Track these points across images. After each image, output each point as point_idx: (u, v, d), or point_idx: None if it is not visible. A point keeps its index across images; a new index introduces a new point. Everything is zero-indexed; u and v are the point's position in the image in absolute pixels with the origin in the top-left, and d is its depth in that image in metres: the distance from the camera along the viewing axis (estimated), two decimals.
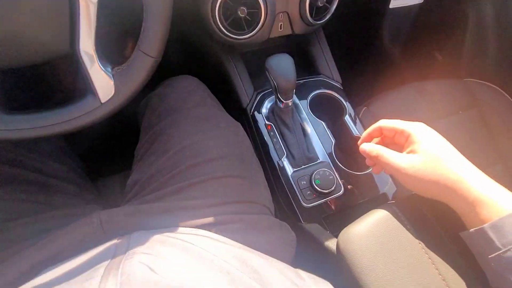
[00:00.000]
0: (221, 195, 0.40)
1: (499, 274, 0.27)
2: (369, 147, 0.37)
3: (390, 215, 0.34)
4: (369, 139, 0.40)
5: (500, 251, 0.26)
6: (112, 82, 0.35)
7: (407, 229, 0.33)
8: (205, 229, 0.36)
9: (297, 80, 0.63)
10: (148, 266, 0.27)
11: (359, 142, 0.41)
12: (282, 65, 0.48)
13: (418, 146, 0.33)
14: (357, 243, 0.33)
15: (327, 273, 0.39)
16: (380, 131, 0.38)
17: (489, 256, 0.27)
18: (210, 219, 0.37)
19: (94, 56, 0.33)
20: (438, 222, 0.35)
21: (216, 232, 0.36)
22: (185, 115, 0.48)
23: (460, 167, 0.31)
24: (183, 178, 0.40)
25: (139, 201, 0.40)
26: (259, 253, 0.35)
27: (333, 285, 0.37)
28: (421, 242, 0.33)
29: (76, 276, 0.28)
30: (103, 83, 0.35)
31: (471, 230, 0.29)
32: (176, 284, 0.26)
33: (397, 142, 0.36)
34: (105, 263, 0.29)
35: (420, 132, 0.34)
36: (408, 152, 0.34)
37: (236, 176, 0.42)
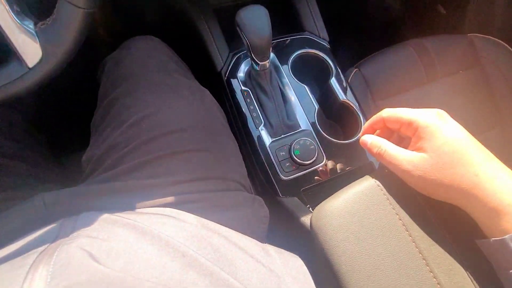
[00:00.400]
0: (182, 172, 0.36)
1: None
2: (370, 141, 0.31)
3: (370, 190, 0.31)
4: (371, 131, 0.34)
5: None
6: (37, 42, 0.29)
7: (387, 205, 0.30)
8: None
9: (278, 38, 0.57)
10: (89, 252, 0.24)
11: (360, 134, 0.35)
12: (255, 19, 0.41)
13: (428, 144, 0.27)
14: (330, 220, 0.30)
15: (303, 249, 0.37)
16: (384, 123, 0.32)
17: (510, 271, 0.24)
18: (169, 199, 0.33)
19: (3, 2, 0.26)
20: (422, 198, 0.31)
21: (175, 213, 0.32)
22: (142, 82, 0.42)
23: (480, 168, 0.25)
24: (138, 154, 0.36)
25: (92, 180, 0.36)
26: (224, 229, 0.32)
27: (308, 261, 0.35)
28: (401, 219, 0.29)
29: (6, 264, 0.24)
30: (27, 44, 0.28)
31: (491, 239, 0.25)
32: (118, 275, 0.22)
33: (404, 134, 0.30)
34: (42, 248, 0.25)
35: (431, 126, 0.27)
36: (415, 149, 0.28)
37: (200, 150, 0.38)
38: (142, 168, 0.35)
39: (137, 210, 0.32)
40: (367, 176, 0.32)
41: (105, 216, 0.29)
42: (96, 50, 0.78)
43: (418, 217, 0.30)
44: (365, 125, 0.34)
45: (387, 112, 0.31)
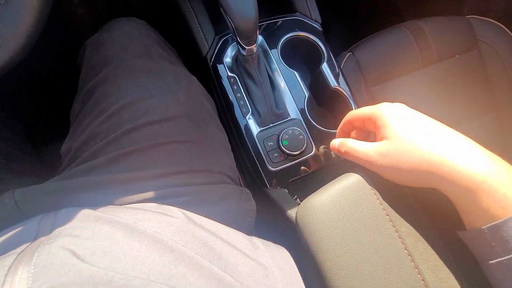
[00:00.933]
0: (165, 164, 0.34)
1: (501, 281, 0.23)
2: (338, 143, 0.33)
3: (357, 184, 0.29)
4: (344, 135, 0.35)
5: (502, 258, 0.22)
6: None
7: (374, 200, 0.29)
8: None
9: (267, 20, 0.53)
10: (72, 251, 0.23)
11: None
12: None
13: (387, 130, 0.27)
14: (315, 216, 0.29)
15: (289, 240, 0.36)
16: (351, 124, 0.33)
17: (489, 262, 0.23)
18: (151, 194, 0.32)
19: None
20: (410, 190, 0.30)
21: (160, 208, 0.31)
22: (124, 68, 0.39)
23: (443, 144, 0.25)
24: (119, 145, 0.34)
25: (68, 172, 0.34)
26: (210, 223, 0.32)
27: (294, 251, 0.35)
28: (388, 214, 0.28)
29: None
30: None
31: (469, 230, 0.24)
32: (105, 273, 0.21)
33: (369, 129, 0.31)
34: (20, 249, 0.24)
35: (386, 114, 0.28)
36: (379, 139, 0.28)
37: (185, 141, 0.36)
38: (122, 160, 0.33)
39: (120, 205, 0.31)
40: (355, 170, 0.31)
41: (87, 212, 0.28)
42: (77, 31, 0.73)
43: (405, 212, 0.29)
44: (337, 131, 0.36)
45: (351, 114, 0.33)
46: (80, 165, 0.34)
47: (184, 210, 0.31)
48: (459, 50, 0.68)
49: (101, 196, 0.31)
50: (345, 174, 0.31)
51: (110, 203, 0.31)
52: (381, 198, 0.29)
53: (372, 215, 0.28)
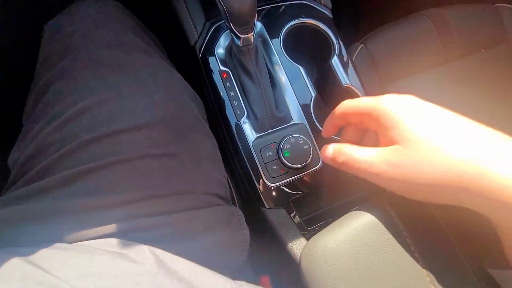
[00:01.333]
0: (135, 187, 0.27)
1: None
2: (333, 149, 0.25)
3: (380, 220, 0.22)
4: (334, 129, 0.28)
5: None
6: None
7: (405, 245, 0.22)
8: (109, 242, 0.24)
9: (268, 4, 0.45)
10: None
11: (323, 133, 0.30)
12: None
13: (397, 133, 0.21)
14: (324, 265, 0.22)
15: (290, 275, 0.29)
16: (345, 118, 0.26)
17: None
18: (112, 227, 0.25)
19: None
20: (449, 228, 0.23)
21: (124, 247, 0.24)
22: (85, 61, 0.31)
23: (481, 148, 0.18)
24: (74, 161, 0.27)
25: (8, 197, 0.27)
26: (188, 268, 0.24)
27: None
28: (425, 268, 0.21)
29: None
30: None
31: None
32: None
33: (368, 127, 0.24)
34: None
35: (394, 110, 0.21)
36: (385, 143, 0.21)
37: (161, 155, 0.29)
38: (78, 181, 0.26)
39: (70, 243, 0.24)
40: (377, 199, 0.24)
41: (16, 263, 0.20)
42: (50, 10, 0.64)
43: (443, 257, 0.22)
44: (325, 126, 0.29)
45: (345, 106, 0.26)
46: (25, 185, 0.27)
47: (156, 249, 0.24)
48: (485, 43, 0.60)
49: (48, 230, 0.24)
50: (364, 204, 0.24)
51: (59, 239, 0.24)
52: (412, 241, 0.22)
53: (402, 264, 0.21)
